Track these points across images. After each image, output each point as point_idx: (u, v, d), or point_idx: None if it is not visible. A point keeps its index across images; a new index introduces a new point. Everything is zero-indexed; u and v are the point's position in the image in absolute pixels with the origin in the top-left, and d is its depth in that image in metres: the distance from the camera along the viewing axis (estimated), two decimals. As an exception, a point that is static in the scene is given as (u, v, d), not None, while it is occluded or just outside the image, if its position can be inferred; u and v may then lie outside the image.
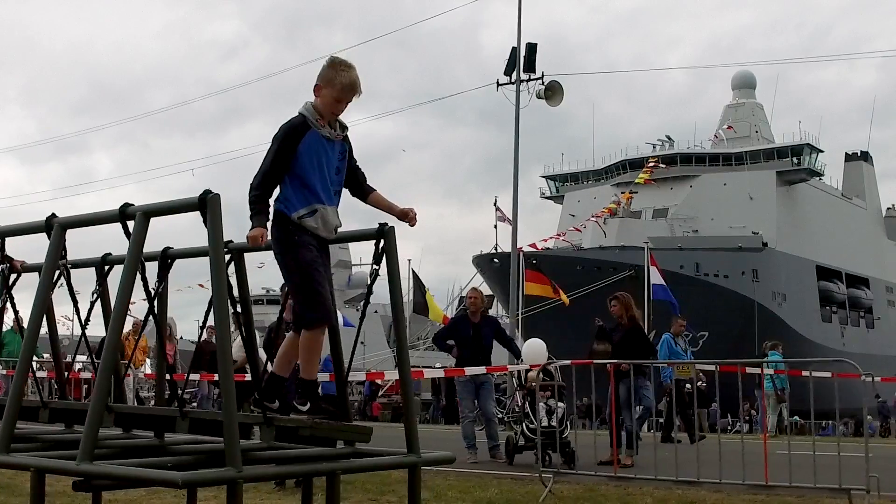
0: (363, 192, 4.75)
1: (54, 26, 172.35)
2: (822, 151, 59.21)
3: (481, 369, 10.43)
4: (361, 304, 5.48)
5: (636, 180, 54.65)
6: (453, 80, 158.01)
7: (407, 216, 4.74)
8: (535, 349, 10.92)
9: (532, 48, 22.55)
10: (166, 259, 5.29)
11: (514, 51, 22.44)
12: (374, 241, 4.71)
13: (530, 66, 22.36)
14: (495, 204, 47.98)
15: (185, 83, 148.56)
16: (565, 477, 8.31)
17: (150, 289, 4.76)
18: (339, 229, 4.66)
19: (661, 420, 18.43)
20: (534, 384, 9.33)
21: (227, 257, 5.28)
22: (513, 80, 22.52)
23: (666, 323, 17.77)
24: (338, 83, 4.35)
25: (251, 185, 4.43)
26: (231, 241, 5.38)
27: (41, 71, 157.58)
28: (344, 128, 4.51)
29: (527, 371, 9.55)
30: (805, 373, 10.00)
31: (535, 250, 45.71)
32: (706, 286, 49.00)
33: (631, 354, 9.53)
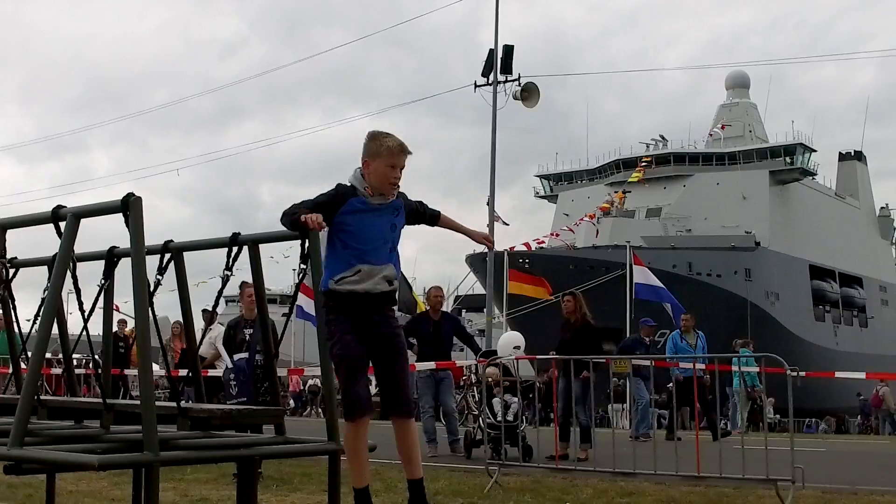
0: (428, 218, 4.67)
1: (51, 24, 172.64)
2: (814, 151, 59.55)
3: (431, 364, 10.72)
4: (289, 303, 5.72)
5: (629, 180, 54.96)
6: (452, 78, 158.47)
7: (486, 241, 4.87)
8: (508, 341, 11.22)
9: (508, 50, 22.82)
10: (112, 257, 5.56)
11: (491, 52, 22.69)
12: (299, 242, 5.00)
13: (506, 67, 22.61)
14: (489, 203, 48.15)
15: (183, 82, 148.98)
16: (515, 469, 8.58)
17: (82, 286, 5.00)
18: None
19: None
20: (490, 379, 9.60)
21: (168, 256, 5.59)
22: (490, 82, 22.82)
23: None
24: (385, 149, 4.31)
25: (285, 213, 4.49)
26: (171, 241, 5.67)
27: (38, 69, 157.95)
28: (400, 194, 4.41)
29: (484, 367, 9.81)
30: (734, 368, 10.27)
31: (526, 250, 46.07)
32: (699, 285, 49.20)
33: (581, 352, 9.76)
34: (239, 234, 5.29)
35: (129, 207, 4.30)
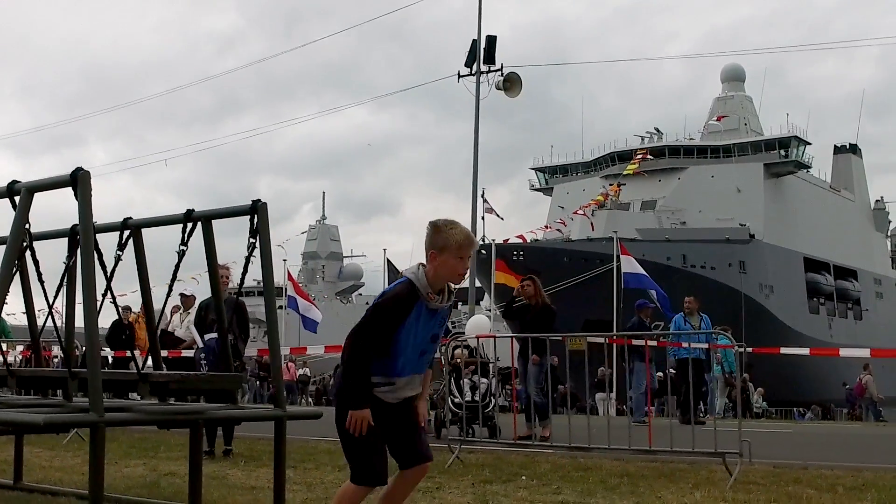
0: None
1: (50, 21, 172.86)
2: (809, 144, 59.72)
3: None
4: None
5: (624, 172, 55.04)
6: (451, 72, 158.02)
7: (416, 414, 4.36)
8: (475, 324, 11.46)
9: (492, 40, 22.97)
10: (75, 235, 5.76)
11: (475, 43, 22.80)
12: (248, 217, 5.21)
13: (490, 57, 22.72)
14: (483, 196, 48.41)
15: (182, 78, 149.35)
16: (478, 447, 8.81)
17: (43, 264, 5.19)
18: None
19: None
20: (459, 361, 9.82)
21: (127, 233, 5.79)
22: (473, 72, 22.96)
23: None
24: (454, 242, 4.11)
25: (355, 351, 4.05)
26: (130, 218, 5.87)
27: (36, 65, 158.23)
28: (451, 294, 4.20)
29: (453, 348, 10.02)
30: (685, 344, 10.47)
31: (521, 242, 46.27)
32: (693, 278, 49.31)
33: (540, 333, 9.88)
34: (192, 210, 5.51)
35: (78, 181, 4.50)
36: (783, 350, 9.11)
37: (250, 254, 5.28)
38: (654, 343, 10.58)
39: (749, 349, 7.07)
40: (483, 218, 47.56)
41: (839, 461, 8.30)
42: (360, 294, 73.07)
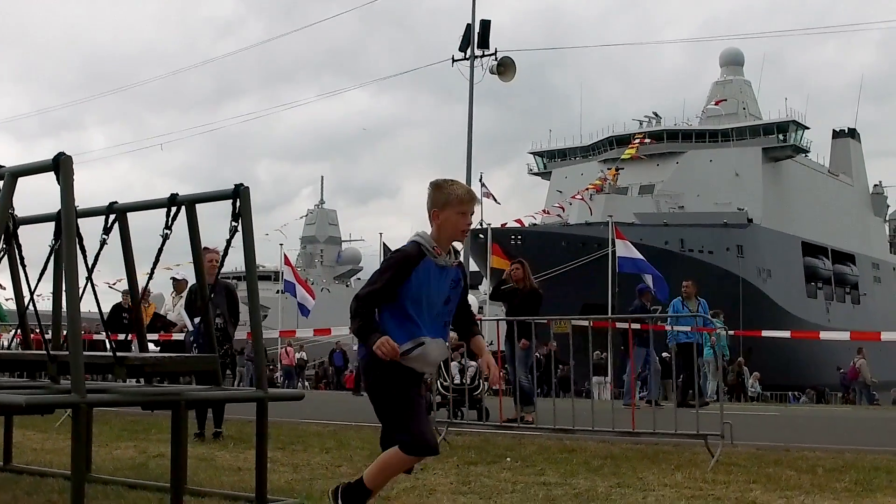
0: (467, 333, 4.48)
1: (49, 8, 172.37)
2: (807, 128, 59.61)
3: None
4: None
5: (623, 156, 55.01)
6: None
7: (486, 369, 4.54)
8: None
9: (486, 25, 22.97)
10: (60, 219, 5.82)
11: (469, 27, 22.83)
12: (231, 201, 5.27)
13: (484, 42, 22.74)
14: (480, 180, 48.46)
15: (181, 62, 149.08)
16: (466, 429, 8.90)
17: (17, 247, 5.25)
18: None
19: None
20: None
21: (113, 217, 5.85)
22: (467, 56, 22.97)
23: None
24: (454, 198, 4.20)
25: (357, 300, 4.11)
26: (116, 202, 5.93)
27: (36, 52, 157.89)
28: (457, 254, 4.27)
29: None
30: (667, 327, 10.55)
31: (519, 226, 46.34)
32: (691, 262, 49.28)
33: (528, 316, 9.94)
34: (177, 194, 5.57)
35: (60, 166, 4.56)
36: (764, 333, 9.20)
37: (231, 237, 5.35)
38: (637, 326, 10.64)
39: (731, 332, 7.13)
40: (481, 202, 47.64)
41: (823, 443, 8.39)
42: (359, 279, 73.31)
